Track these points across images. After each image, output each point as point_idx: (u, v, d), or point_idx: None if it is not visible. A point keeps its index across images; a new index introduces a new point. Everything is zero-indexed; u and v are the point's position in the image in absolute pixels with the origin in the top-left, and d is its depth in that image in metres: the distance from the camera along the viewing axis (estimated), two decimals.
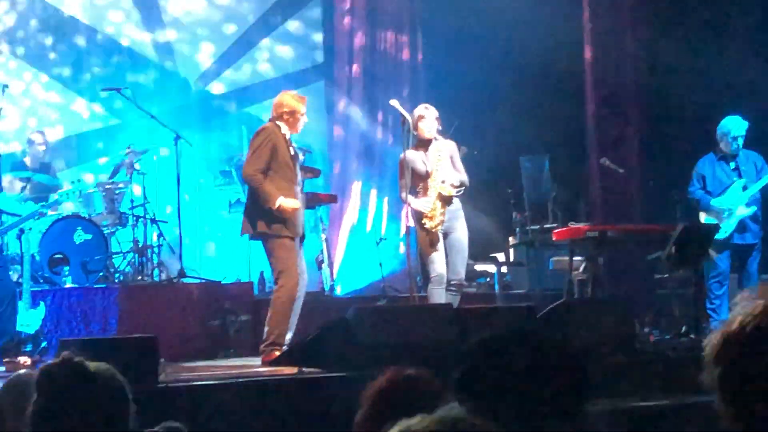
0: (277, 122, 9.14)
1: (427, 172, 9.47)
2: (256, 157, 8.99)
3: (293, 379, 7.84)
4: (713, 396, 2.99)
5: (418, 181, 9.53)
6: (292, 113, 9.14)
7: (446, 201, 9.45)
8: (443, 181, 9.44)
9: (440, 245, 9.44)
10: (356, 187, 14.10)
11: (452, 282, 9.46)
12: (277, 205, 8.83)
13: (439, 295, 9.34)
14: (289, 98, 9.26)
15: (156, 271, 11.39)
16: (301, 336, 8.99)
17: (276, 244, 9.01)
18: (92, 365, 3.17)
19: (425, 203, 9.41)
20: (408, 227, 9.92)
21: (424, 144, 9.57)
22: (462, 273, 9.62)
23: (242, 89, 14.84)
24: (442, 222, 9.42)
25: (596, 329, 8.46)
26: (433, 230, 9.39)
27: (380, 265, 12.35)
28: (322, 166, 13.59)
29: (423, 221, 9.41)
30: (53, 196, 10.73)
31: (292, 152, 9.21)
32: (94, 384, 3.14)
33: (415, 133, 9.56)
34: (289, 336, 8.99)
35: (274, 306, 9.03)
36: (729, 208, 10.58)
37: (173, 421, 4.14)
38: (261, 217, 9.01)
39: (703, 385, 2.83)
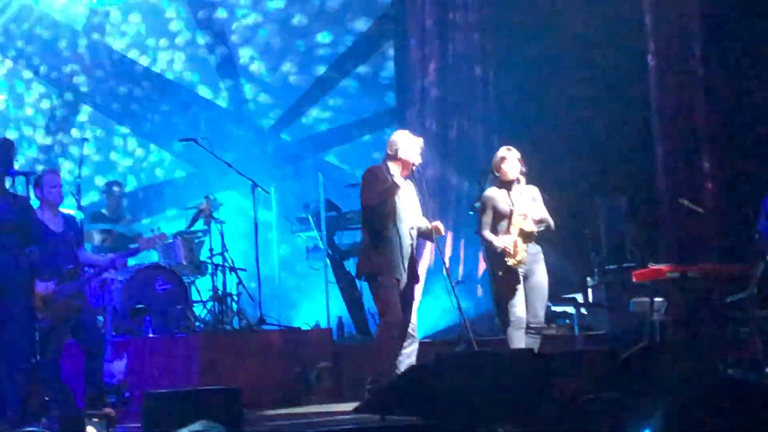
0: (388, 162, 9.13)
1: (510, 210, 9.42)
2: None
3: (375, 428, 7.83)
4: None
5: (500, 219, 9.45)
6: (405, 151, 9.09)
7: (527, 238, 9.38)
8: (524, 218, 9.39)
9: (520, 287, 9.39)
10: None
11: (532, 325, 9.37)
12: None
13: (519, 339, 9.28)
14: (402, 135, 9.25)
15: (235, 319, 11.45)
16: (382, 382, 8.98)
17: (375, 285, 9.08)
18: None
19: (506, 239, 9.34)
20: (485, 270, 9.87)
21: (506, 185, 9.53)
22: (542, 316, 9.53)
23: (316, 136, 14.95)
24: (524, 259, 9.38)
25: (679, 372, 8.37)
26: (515, 267, 9.32)
27: (458, 308, 12.28)
28: None
29: (505, 258, 9.35)
30: (132, 246, 10.81)
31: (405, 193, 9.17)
32: None
33: (498, 174, 9.53)
34: None
35: (374, 344, 9.15)
36: None
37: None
38: (365, 259, 9.14)
39: None
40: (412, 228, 9.11)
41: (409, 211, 9.12)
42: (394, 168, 9.04)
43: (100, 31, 14.49)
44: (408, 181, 9.17)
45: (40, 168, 12.83)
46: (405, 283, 9.10)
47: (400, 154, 9.06)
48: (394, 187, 8.94)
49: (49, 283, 8.76)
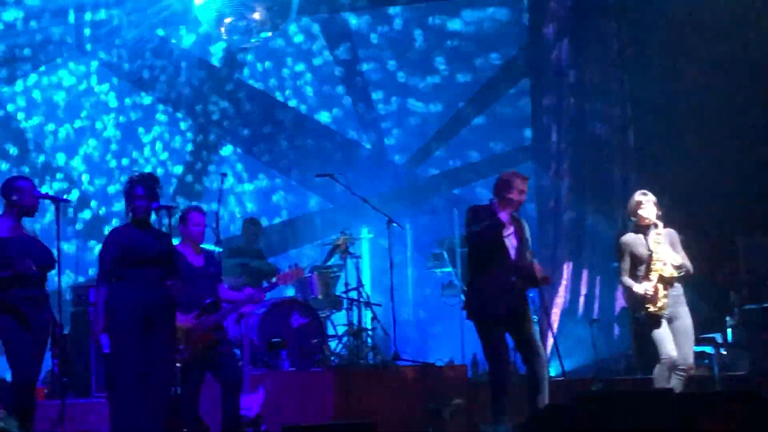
0: (494, 200, 9.07)
1: (648, 255, 9.33)
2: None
3: None
4: None
5: (638, 264, 9.41)
6: (508, 189, 9.03)
7: (668, 283, 9.32)
8: (664, 263, 9.30)
9: (665, 325, 9.29)
10: (567, 268, 13.95)
11: (681, 367, 9.33)
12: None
13: (666, 378, 9.22)
14: (507, 174, 9.22)
15: (370, 354, 11.48)
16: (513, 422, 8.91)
17: (477, 326, 9.04)
18: None
19: (647, 287, 9.27)
20: (621, 308, 9.79)
21: (643, 229, 9.47)
22: (691, 358, 9.48)
23: (450, 172, 14.96)
24: (666, 305, 9.28)
25: None
26: (657, 314, 9.23)
27: (594, 346, 12.17)
28: (533, 246, 13.51)
29: (647, 305, 9.26)
30: (270, 281, 10.94)
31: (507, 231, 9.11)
32: None
33: (635, 219, 9.48)
34: None
35: (490, 387, 9.03)
36: None
37: None
38: (468, 297, 9.19)
39: None
40: (518, 266, 9.03)
41: (515, 249, 9.05)
42: (499, 206, 8.99)
43: (239, 68, 14.75)
44: (516, 219, 9.14)
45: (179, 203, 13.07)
46: (513, 322, 8.99)
47: (504, 193, 9.00)
48: (495, 224, 8.89)
49: (189, 316, 8.90)
